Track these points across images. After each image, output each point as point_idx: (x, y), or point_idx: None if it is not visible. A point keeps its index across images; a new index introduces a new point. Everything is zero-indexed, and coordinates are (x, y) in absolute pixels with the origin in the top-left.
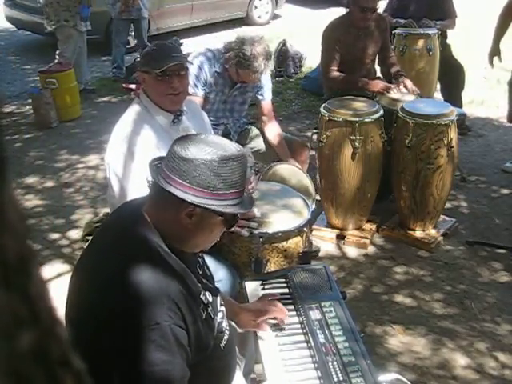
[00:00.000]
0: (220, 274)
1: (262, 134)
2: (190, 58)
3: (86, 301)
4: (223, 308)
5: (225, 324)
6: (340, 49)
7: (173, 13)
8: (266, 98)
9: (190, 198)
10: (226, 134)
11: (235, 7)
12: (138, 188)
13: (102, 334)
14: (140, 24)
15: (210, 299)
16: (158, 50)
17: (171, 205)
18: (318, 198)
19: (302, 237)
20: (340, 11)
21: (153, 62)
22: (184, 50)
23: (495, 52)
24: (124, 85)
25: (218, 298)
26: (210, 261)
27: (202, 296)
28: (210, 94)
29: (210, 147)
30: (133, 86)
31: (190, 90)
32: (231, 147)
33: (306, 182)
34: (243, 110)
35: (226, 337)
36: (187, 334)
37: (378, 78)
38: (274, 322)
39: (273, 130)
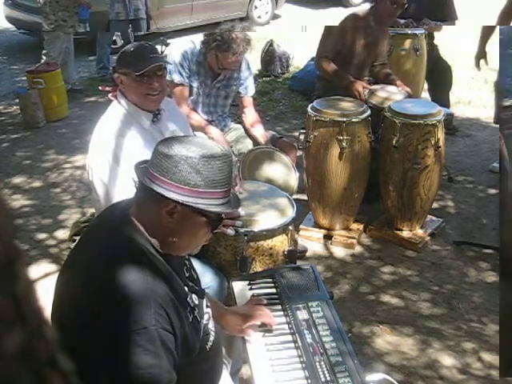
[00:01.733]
0: (207, 278)
1: (247, 133)
2: (173, 52)
3: (73, 302)
4: (209, 310)
5: (211, 325)
6: (341, 41)
7: (173, 13)
8: (249, 92)
9: (169, 194)
10: None
11: (235, 7)
12: (125, 191)
13: (87, 335)
14: (139, 24)
15: (197, 302)
16: (135, 51)
17: (153, 203)
18: (304, 197)
19: (287, 235)
20: (340, 11)
21: (131, 63)
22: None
23: (481, 55)
24: (100, 87)
25: (204, 301)
26: (196, 265)
27: (188, 299)
28: (193, 82)
29: (194, 146)
30: (108, 89)
31: (176, 78)
32: (215, 147)
33: (287, 164)
34: (226, 104)
35: (211, 338)
36: (174, 337)
37: (368, 79)
38: (260, 327)
39: (258, 131)
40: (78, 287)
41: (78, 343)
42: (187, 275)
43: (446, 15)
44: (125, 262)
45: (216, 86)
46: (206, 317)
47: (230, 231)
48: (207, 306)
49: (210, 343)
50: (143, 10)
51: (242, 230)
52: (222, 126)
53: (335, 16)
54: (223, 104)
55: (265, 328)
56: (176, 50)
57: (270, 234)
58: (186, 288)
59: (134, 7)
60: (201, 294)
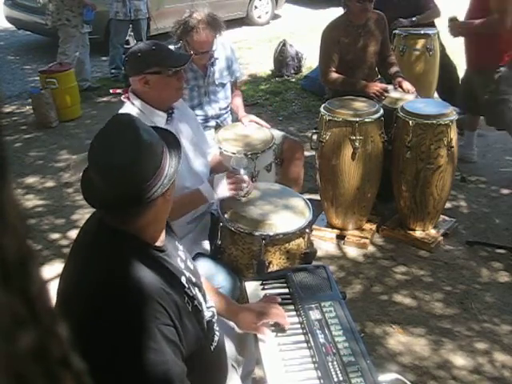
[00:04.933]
0: (220, 278)
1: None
2: None
3: (71, 304)
4: (213, 309)
5: (215, 326)
6: (339, 49)
7: (173, 13)
8: (239, 76)
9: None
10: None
11: (235, 7)
12: None
13: (88, 337)
14: (139, 25)
15: (195, 292)
16: (167, 49)
17: (141, 210)
18: (317, 197)
19: (303, 238)
20: (340, 11)
21: (168, 60)
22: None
23: None
24: (111, 90)
25: (203, 290)
26: (209, 265)
27: (186, 289)
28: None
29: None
30: (119, 91)
31: None
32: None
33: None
34: (227, 95)
35: (216, 338)
36: (176, 330)
37: (379, 79)
38: (273, 327)
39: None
40: (74, 289)
41: (80, 345)
42: (183, 267)
43: (423, 7)
44: (119, 261)
45: (210, 81)
46: (209, 314)
47: (240, 196)
48: (210, 306)
49: (214, 343)
50: (144, 10)
51: (258, 234)
52: (227, 121)
53: (335, 16)
54: (224, 96)
55: (277, 328)
56: None
57: (288, 237)
58: (184, 278)
59: (134, 7)
60: (198, 284)
